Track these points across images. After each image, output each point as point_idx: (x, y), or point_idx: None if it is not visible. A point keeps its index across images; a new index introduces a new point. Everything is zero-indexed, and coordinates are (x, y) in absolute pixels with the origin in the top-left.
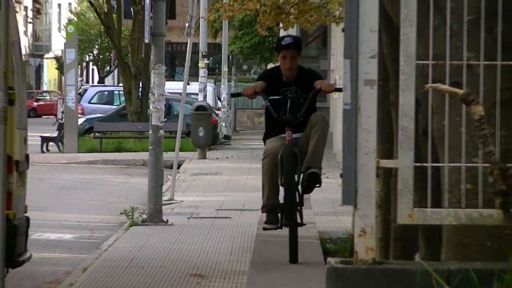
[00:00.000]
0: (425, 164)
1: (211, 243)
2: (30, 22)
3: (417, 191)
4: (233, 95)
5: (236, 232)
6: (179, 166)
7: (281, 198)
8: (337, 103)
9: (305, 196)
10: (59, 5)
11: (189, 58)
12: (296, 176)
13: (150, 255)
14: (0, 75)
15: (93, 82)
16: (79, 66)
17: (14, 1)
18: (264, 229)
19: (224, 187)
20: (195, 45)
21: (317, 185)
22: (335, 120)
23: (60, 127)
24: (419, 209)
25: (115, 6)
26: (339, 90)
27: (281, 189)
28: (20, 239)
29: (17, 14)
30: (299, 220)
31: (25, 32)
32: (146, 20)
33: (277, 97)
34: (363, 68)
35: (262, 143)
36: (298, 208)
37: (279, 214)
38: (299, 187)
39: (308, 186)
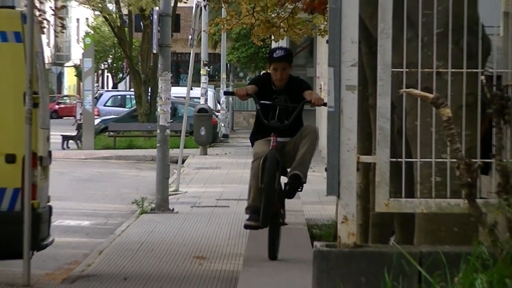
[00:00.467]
0: (399, 160)
1: (212, 229)
2: (56, 36)
3: (392, 183)
4: (226, 93)
5: (233, 219)
6: (183, 161)
7: None
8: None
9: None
10: (78, 20)
11: (192, 66)
12: (276, 181)
13: (158, 240)
14: (26, 81)
15: (107, 88)
16: (95, 73)
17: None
18: (246, 226)
19: (223, 179)
20: (197, 55)
21: (299, 189)
22: (320, 120)
23: (79, 127)
24: (394, 199)
25: (127, 20)
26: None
27: None
28: (43, 226)
29: (44, 29)
30: (281, 220)
31: (48, 44)
32: (154, 33)
33: (268, 102)
34: (345, 75)
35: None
36: (281, 210)
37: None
38: (282, 189)
39: (290, 191)
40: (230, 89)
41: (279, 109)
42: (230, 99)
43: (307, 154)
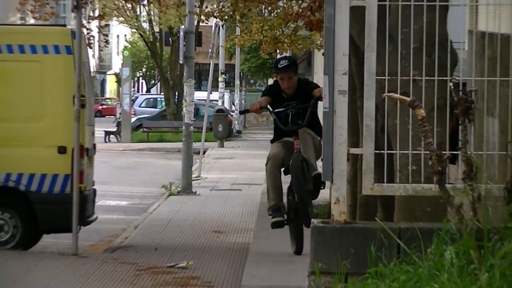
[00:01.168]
0: (382, 152)
1: (227, 208)
2: (100, 50)
3: (376, 171)
4: (242, 112)
5: (245, 200)
6: (204, 152)
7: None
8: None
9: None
10: (118, 36)
11: (211, 74)
12: (305, 181)
13: (183, 217)
14: (74, 86)
15: (142, 92)
16: (132, 80)
17: (86, 34)
18: (272, 225)
19: (236, 167)
20: (216, 65)
21: (322, 187)
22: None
23: (118, 124)
24: (378, 184)
25: (158, 37)
26: None
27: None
28: (89, 205)
29: (91, 44)
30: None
31: (93, 55)
32: (180, 47)
33: (281, 109)
34: (337, 82)
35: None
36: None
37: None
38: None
39: (314, 192)
40: (243, 94)
41: (292, 114)
42: (243, 101)
43: (316, 154)
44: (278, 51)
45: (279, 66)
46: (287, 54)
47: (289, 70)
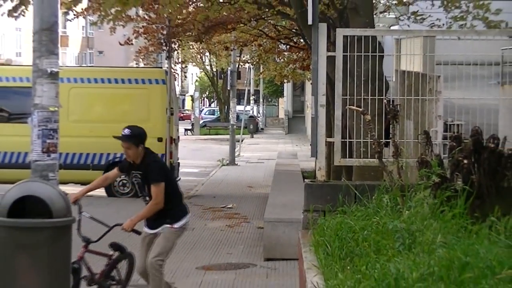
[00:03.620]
0: (345, 140)
1: (256, 173)
2: (182, 81)
3: (342, 151)
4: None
5: (266, 169)
6: (242, 141)
7: None
8: (308, 114)
9: (298, 149)
10: (192, 73)
11: (246, 95)
12: None
13: (230, 179)
14: (167, 103)
15: (206, 106)
16: (200, 99)
17: (173, 72)
18: None
19: (260, 149)
20: (249, 90)
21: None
22: (307, 121)
23: (192, 125)
24: (343, 159)
25: (215, 74)
26: (137, 232)
27: None
28: (176, 171)
29: (176, 77)
30: None
31: (178, 84)
32: (228, 80)
33: (126, 175)
34: (319, 100)
35: (277, 131)
36: None
37: None
38: None
39: None
40: (264, 107)
41: (138, 184)
42: (264, 111)
43: None
44: (285, 80)
45: (122, 133)
46: (289, 84)
47: (126, 141)
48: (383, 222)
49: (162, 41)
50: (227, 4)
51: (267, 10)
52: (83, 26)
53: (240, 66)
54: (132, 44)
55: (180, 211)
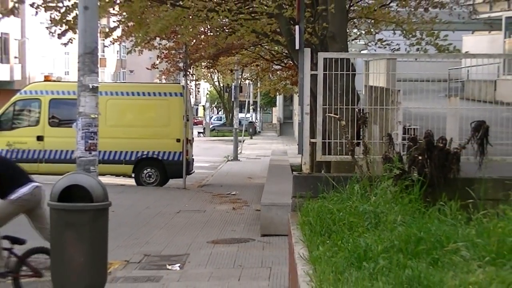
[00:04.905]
0: (325, 140)
1: (254, 166)
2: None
3: (323, 149)
4: None
5: (263, 163)
6: (243, 141)
7: None
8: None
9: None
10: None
11: (247, 105)
12: None
13: (233, 171)
14: (183, 112)
15: (214, 113)
16: (210, 108)
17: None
18: None
19: (258, 148)
20: (249, 101)
21: None
22: (295, 126)
23: (204, 128)
24: (323, 156)
25: (222, 88)
26: None
27: None
28: (190, 165)
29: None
30: None
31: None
32: (232, 93)
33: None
34: (305, 109)
35: (270, 134)
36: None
37: None
38: None
39: None
40: (260, 114)
41: None
42: (261, 118)
43: None
44: (278, 93)
45: None
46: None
47: None
48: (355, 206)
49: (180, 64)
50: (231, 33)
51: (263, 38)
52: (117, 51)
53: (241, 82)
54: (157, 68)
55: (13, 187)
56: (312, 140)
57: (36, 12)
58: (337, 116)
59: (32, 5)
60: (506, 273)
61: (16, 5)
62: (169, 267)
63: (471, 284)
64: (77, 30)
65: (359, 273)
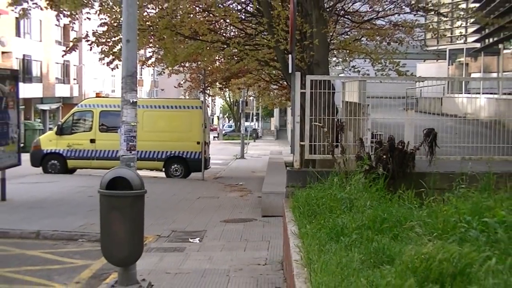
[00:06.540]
0: (311, 143)
1: (257, 163)
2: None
3: (310, 150)
4: None
5: (263, 161)
6: (248, 144)
7: None
8: (289, 128)
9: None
10: (218, 103)
11: (251, 116)
12: None
13: (242, 166)
14: (202, 121)
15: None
16: (223, 117)
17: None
18: None
19: (260, 149)
20: (252, 113)
21: None
22: (288, 132)
23: (218, 134)
24: (310, 154)
25: (232, 102)
26: None
27: None
28: (207, 162)
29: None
30: None
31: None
32: (240, 106)
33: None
34: (296, 119)
35: (270, 138)
36: None
37: None
38: None
39: None
40: (261, 123)
41: None
42: (261, 126)
43: None
44: (275, 107)
45: None
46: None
47: None
48: (334, 194)
49: (200, 84)
50: (240, 61)
51: (264, 65)
52: (151, 74)
53: (247, 98)
54: (182, 86)
55: None
56: (301, 143)
57: (91, 48)
58: (321, 125)
59: (87, 40)
60: (450, 246)
61: (77, 43)
62: (191, 240)
63: (423, 254)
64: (121, 58)
65: (337, 245)
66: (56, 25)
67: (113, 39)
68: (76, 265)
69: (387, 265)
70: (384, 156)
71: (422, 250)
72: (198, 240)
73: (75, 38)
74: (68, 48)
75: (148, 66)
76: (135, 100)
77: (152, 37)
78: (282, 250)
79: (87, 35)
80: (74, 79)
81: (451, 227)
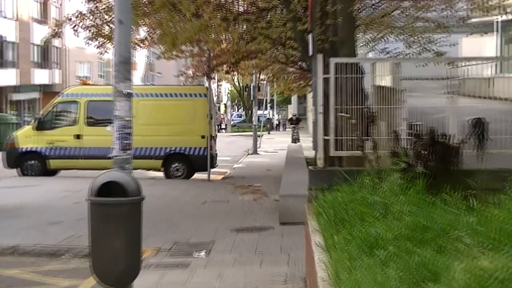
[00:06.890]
0: (337, 137)
1: (271, 159)
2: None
3: (335, 145)
4: None
5: (279, 157)
6: (261, 136)
7: None
8: (309, 116)
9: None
10: (225, 88)
11: (264, 103)
12: None
13: (254, 163)
14: (208, 110)
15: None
16: (231, 106)
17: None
18: None
19: (275, 142)
20: (266, 99)
21: None
22: (309, 121)
23: (226, 125)
24: (336, 151)
25: (242, 88)
26: None
27: None
28: (214, 159)
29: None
30: None
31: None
32: (251, 92)
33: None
34: (318, 109)
35: (287, 130)
36: None
37: None
38: None
39: None
40: (277, 111)
41: None
42: (276, 114)
43: None
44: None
45: None
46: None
47: None
48: (365, 197)
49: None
50: (251, 40)
51: (279, 45)
52: (146, 55)
53: (259, 83)
54: (185, 74)
55: None
56: (326, 137)
57: (76, 34)
58: (348, 115)
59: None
60: (508, 260)
61: (60, 28)
62: (196, 254)
63: (479, 270)
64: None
65: (371, 260)
66: (34, 0)
67: (104, 17)
68: (61, 287)
69: (431, 283)
70: (424, 152)
71: (476, 265)
72: (205, 253)
73: (57, 20)
74: (50, 35)
75: (141, 48)
76: (129, 91)
77: (146, 17)
78: (304, 265)
79: (70, 19)
80: (55, 63)
81: (506, 236)
